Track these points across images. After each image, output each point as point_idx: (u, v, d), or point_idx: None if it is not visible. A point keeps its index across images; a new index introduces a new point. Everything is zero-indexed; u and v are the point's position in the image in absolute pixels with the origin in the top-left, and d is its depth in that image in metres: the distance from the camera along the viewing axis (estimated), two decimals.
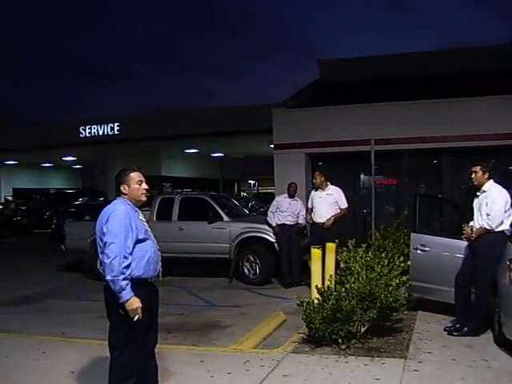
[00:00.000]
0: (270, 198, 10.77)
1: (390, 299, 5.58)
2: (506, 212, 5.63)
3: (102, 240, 3.58)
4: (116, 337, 3.66)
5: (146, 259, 3.63)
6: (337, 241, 7.12)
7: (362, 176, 13.63)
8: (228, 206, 11.16)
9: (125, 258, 3.50)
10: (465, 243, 5.99)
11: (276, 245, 9.54)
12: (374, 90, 13.83)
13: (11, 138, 21.24)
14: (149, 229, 3.83)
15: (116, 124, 20.23)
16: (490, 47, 15.14)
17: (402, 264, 6.10)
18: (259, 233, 9.81)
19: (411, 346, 5.45)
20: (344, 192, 9.12)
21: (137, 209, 3.79)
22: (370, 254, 6.22)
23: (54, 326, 6.71)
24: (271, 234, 9.60)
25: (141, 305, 3.49)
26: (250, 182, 48.57)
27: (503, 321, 5.20)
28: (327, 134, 12.52)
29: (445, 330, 5.93)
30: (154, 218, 10.33)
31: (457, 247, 6.20)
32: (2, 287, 9.66)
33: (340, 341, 5.32)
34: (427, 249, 6.58)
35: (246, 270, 9.77)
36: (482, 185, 5.84)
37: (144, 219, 3.85)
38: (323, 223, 8.78)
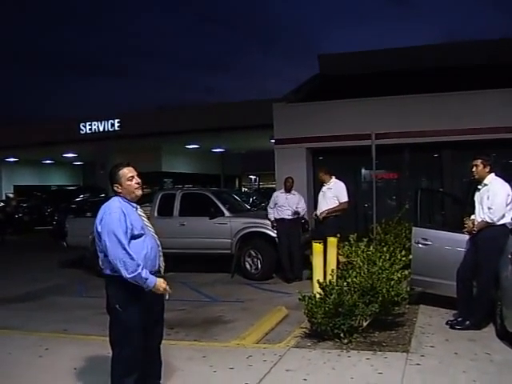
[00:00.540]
0: (271, 193, 10.76)
1: (392, 293, 5.58)
2: (507, 205, 5.63)
3: (99, 240, 3.64)
4: (116, 333, 3.68)
5: (142, 255, 3.64)
6: (338, 235, 7.13)
7: (362, 170, 13.64)
8: (229, 202, 11.16)
9: (128, 253, 3.53)
10: (466, 237, 5.98)
11: (277, 239, 9.56)
12: (375, 84, 13.80)
13: (12, 135, 21.20)
14: (149, 224, 3.84)
15: (116, 120, 20.17)
16: (490, 41, 15.10)
17: (404, 258, 6.12)
18: (260, 228, 9.81)
19: (413, 339, 5.45)
20: (346, 186, 9.13)
21: (135, 204, 3.80)
22: (371, 248, 6.22)
23: (57, 323, 6.73)
24: (273, 229, 9.62)
25: (166, 284, 3.66)
26: (251, 177, 48.47)
27: (505, 314, 5.19)
28: (328, 129, 12.51)
29: (447, 323, 5.92)
30: (156, 214, 10.33)
31: (458, 241, 6.18)
32: (3, 284, 9.68)
33: (342, 335, 5.32)
34: (429, 243, 6.57)
35: (248, 265, 9.79)
36: (483, 178, 5.83)
37: (144, 214, 3.87)
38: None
